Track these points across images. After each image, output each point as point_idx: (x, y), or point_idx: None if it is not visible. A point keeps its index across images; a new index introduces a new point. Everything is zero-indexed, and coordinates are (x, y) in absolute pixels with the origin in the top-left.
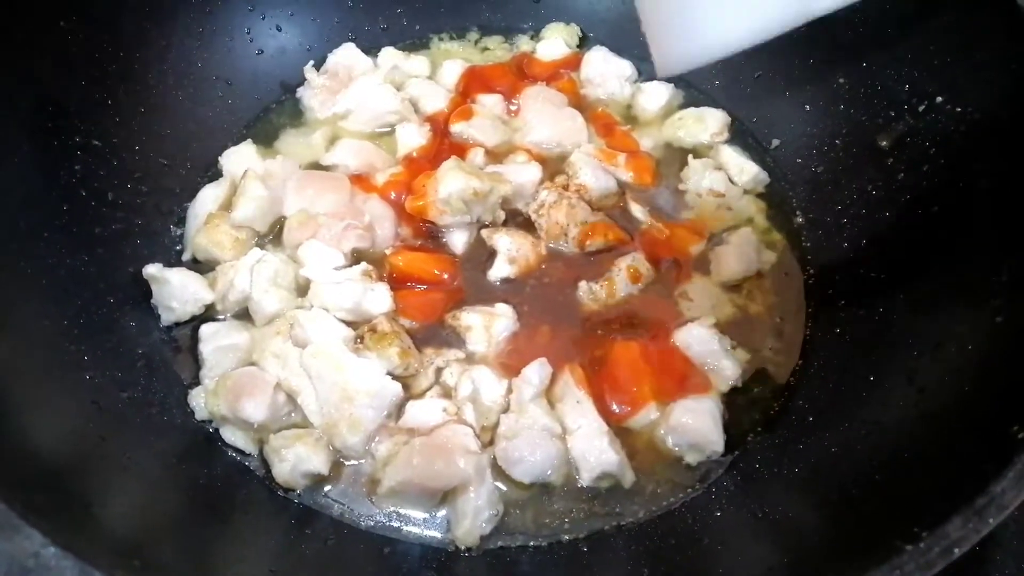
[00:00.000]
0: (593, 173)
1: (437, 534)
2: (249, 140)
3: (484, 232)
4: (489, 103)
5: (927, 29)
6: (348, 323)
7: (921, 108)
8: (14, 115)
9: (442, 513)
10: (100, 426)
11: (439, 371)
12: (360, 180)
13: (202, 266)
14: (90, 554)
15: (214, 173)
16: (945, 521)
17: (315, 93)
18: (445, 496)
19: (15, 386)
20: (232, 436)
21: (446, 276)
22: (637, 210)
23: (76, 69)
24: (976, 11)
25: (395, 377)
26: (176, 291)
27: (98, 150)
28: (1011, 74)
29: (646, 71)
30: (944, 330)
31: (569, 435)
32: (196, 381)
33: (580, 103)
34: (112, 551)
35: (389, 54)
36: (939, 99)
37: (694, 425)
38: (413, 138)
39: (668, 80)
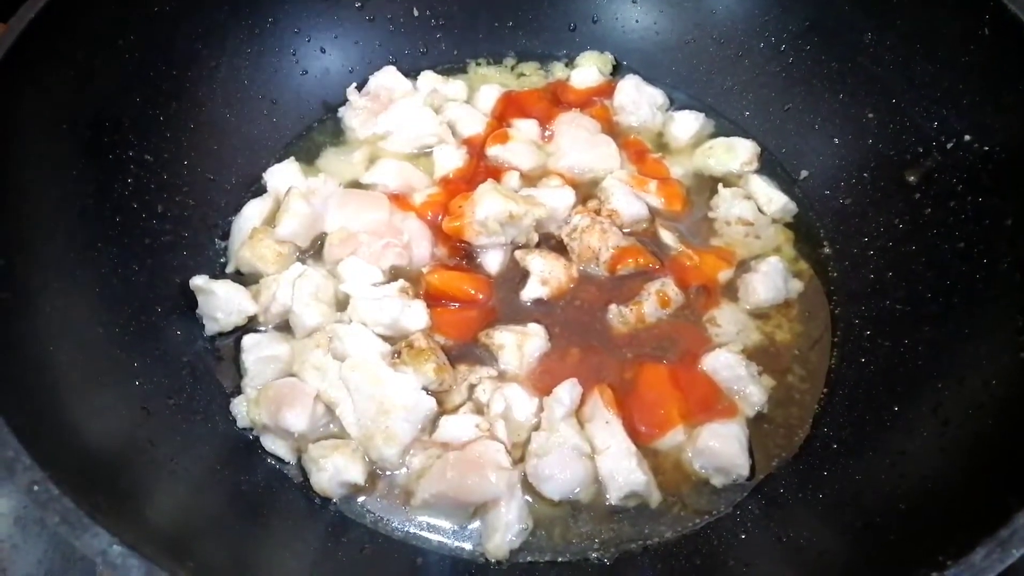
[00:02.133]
0: (625, 199)
1: (468, 546)
2: (292, 158)
3: (518, 253)
4: (524, 128)
5: (955, 67)
6: (386, 338)
7: (949, 146)
8: (73, 131)
9: (473, 526)
10: (149, 431)
11: (472, 388)
12: (398, 199)
13: (245, 278)
14: (152, 553)
15: (257, 189)
16: (970, 551)
17: (356, 113)
18: (476, 510)
19: (74, 391)
20: (272, 444)
21: (480, 295)
22: (667, 236)
23: (132, 87)
24: (1004, 54)
25: (430, 392)
26: (221, 302)
27: (149, 164)
28: None
29: (678, 100)
30: (968, 364)
31: (598, 455)
32: (238, 390)
33: (613, 130)
34: (168, 552)
35: (428, 78)
36: (967, 137)
37: (720, 449)
38: (450, 160)
39: (699, 111)
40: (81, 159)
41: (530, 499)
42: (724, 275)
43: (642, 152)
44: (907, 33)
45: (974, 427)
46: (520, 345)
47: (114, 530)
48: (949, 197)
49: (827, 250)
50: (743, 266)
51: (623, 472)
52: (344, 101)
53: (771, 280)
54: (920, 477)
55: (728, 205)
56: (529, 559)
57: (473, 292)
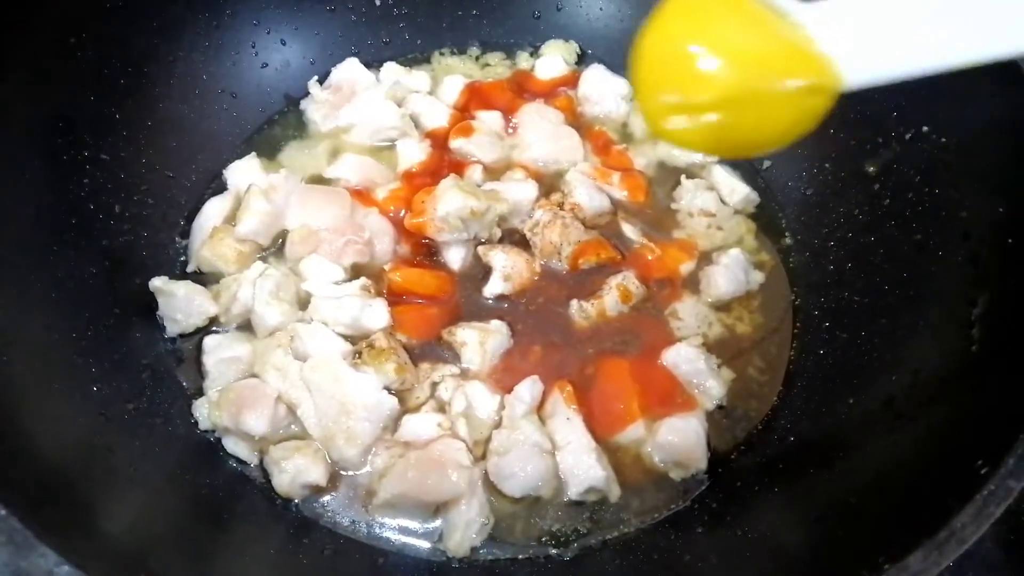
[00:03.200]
0: (587, 192)
1: (430, 545)
2: (253, 154)
3: (480, 249)
4: (488, 120)
5: None
6: (347, 337)
7: (908, 136)
8: (25, 132)
9: (435, 525)
10: (107, 438)
11: (434, 386)
12: (361, 195)
13: (206, 277)
14: (100, 570)
15: (218, 185)
16: (907, 554)
17: (318, 107)
18: (438, 508)
19: (28, 402)
20: (234, 446)
21: (443, 292)
22: (629, 230)
23: (86, 85)
24: None
25: (391, 391)
26: (181, 303)
27: (106, 164)
28: (989, 111)
29: None
30: (922, 357)
31: (558, 451)
32: (200, 391)
33: (577, 121)
34: (120, 565)
35: (391, 69)
36: (925, 128)
37: (679, 443)
38: (413, 153)
39: None
40: (34, 161)
41: (491, 497)
42: (686, 267)
43: (606, 143)
44: None
45: (924, 423)
46: (482, 342)
47: (63, 548)
48: (907, 189)
49: (788, 241)
50: (705, 258)
51: (583, 467)
52: (307, 93)
53: (732, 272)
54: (869, 472)
55: (691, 196)
56: (490, 556)
57: (435, 289)
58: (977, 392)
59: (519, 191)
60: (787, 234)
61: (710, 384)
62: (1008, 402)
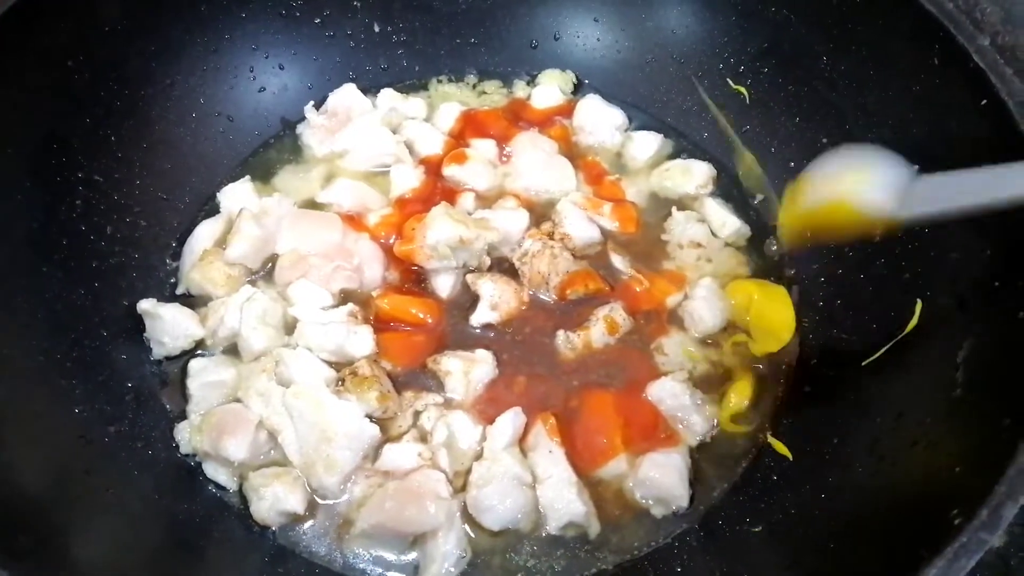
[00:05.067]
0: (577, 222)
1: None
2: (247, 177)
3: (469, 277)
4: (482, 148)
5: (906, 97)
6: (331, 364)
7: None
8: (19, 152)
9: (411, 557)
10: (85, 461)
11: (417, 414)
12: (352, 220)
13: (195, 300)
14: None
15: (212, 207)
16: None
17: (314, 132)
18: (415, 540)
19: (6, 425)
20: (214, 471)
21: (430, 320)
22: (618, 261)
23: (81, 107)
24: (952, 85)
25: (373, 419)
26: (168, 326)
27: (99, 185)
28: (977, 147)
29: (638, 119)
30: (906, 399)
31: (539, 484)
32: (183, 415)
33: (571, 150)
34: None
35: (388, 95)
36: (916, 167)
37: (660, 479)
38: (407, 180)
39: (659, 131)
40: (27, 181)
41: (469, 529)
42: (673, 300)
43: (599, 173)
44: (861, 59)
45: (905, 467)
46: (467, 372)
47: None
48: (897, 227)
49: (778, 276)
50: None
51: (563, 502)
52: (303, 118)
53: (710, 303)
54: (850, 516)
55: (681, 228)
56: None
57: (423, 316)
58: (957, 437)
59: (510, 220)
60: (777, 269)
61: (694, 420)
62: (986, 450)
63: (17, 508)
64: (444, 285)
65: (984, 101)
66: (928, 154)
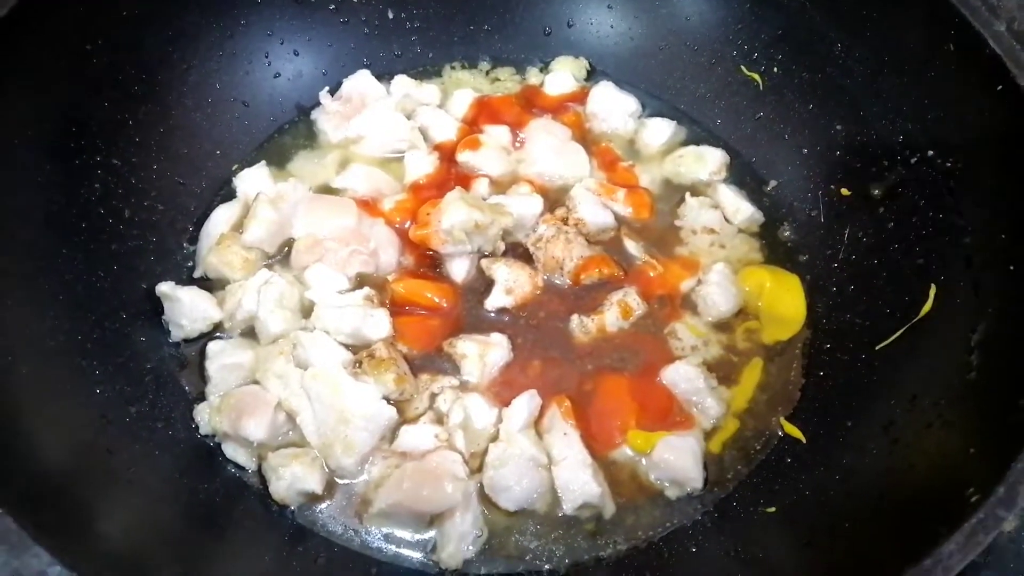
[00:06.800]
0: (591, 208)
1: (422, 556)
2: (263, 162)
3: (484, 262)
4: (496, 134)
5: (921, 82)
6: (348, 347)
7: (913, 160)
8: (39, 136)
9: (429, 535)
10: (108, 440)
11: (433, 397)
12: (367, 205)
13: (212, 283)
14: (92, 571)
15: (228, 192)
16: None
17: (329, 118)
18: (432, 519)
19: (30, 404)
20: (233, 452)
21: (445, 304)
22: (632, 246)
23: (100, 91)
24: (967, 70)
25: (390, 401)
26: (186, 309)
27: (117, 169)
28: (993, 134)
29: (651, 105)
30: (920, 382)
31: (555, 465)
32: (202, 396)
33: (585, 137)
34: (113, 567)
35: (402, 82)
36: (930, 153)
37: (675, 461)
38: (421, 166)
39: (672, 118)
40: (47, 164)
41: (485, 509)
42: (687, 285)
43: (612, 160)
44: (876, 45)
45: (920, 448)
46: (482, 355)
47: (57, 549)
48: (911, 212)
49: (792, 261)
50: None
51: (578, 483)
52: (318, 103)
53: (723, 288)
54: (865, 497)
55: (695, 214)
56: (483, 570)
57: (438, 300)
58: (972, 419)
59: (524, 205)
60: (791, 255)
61: (708, 403)
62: (1001, 430)
63: (42, 484)
64: (459, 269)
65: (1000, 87)
66: (943, 141)
